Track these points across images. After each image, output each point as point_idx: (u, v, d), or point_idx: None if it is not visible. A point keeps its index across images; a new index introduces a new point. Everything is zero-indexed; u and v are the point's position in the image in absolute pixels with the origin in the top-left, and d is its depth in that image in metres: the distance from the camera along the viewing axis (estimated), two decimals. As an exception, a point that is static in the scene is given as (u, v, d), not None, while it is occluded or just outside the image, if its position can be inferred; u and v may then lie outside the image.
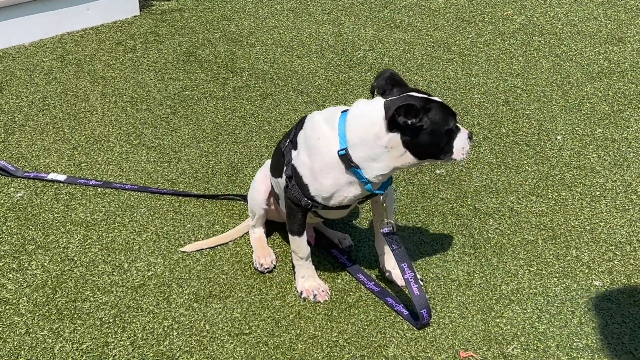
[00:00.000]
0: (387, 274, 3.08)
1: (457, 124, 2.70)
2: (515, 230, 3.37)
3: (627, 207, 3.51)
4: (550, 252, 3.24)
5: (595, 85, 4.55)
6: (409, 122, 2.57)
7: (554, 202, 3.55)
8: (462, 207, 3.52)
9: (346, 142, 2.66)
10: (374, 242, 3.14)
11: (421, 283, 3.02)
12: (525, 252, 3.24)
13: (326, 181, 2.73)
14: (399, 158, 2.66)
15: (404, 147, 2.63)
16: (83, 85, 4.56)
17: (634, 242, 3.30)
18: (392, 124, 2.60)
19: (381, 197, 2.84)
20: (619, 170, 3.77)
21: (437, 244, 3.29)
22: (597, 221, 3.43)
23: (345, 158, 2.66)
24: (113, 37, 5.16)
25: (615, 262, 3.19)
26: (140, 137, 4.06)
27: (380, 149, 2.64)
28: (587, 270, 3.15)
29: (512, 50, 4.99)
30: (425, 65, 4.81)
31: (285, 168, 2.84)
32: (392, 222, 2.90)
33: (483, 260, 3.19)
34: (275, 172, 2.99)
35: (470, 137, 2.74)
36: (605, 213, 3.48)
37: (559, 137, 4.03)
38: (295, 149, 2.81)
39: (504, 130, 4.10)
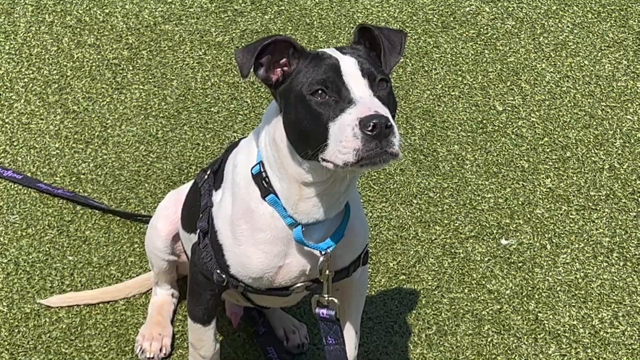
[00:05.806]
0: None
1: (353, 98, 1.54)
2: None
3: None
4: None
5: None
6: (270, 74, 1.63)
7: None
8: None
9: (261, 154, 1.75)
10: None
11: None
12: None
13: (245, 239, 1.74)
14: (287, 156, 1.66)
15: (284, 130, 1.66)
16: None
17: None
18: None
19: (321, 258, 1.72)
20: None
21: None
22: None
23: (259, 178, 1.71)
24: None
25: None
26: (61, 91, 2.81)
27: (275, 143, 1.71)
28: None
29: None
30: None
31: (200, 216, 1.84)
32: (334, 300, 1.79)
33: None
34: (187, 224, 2.00)
35: (367, 126, 1.49)
36: None
37: None
38: (218, 188, 1.84)
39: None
